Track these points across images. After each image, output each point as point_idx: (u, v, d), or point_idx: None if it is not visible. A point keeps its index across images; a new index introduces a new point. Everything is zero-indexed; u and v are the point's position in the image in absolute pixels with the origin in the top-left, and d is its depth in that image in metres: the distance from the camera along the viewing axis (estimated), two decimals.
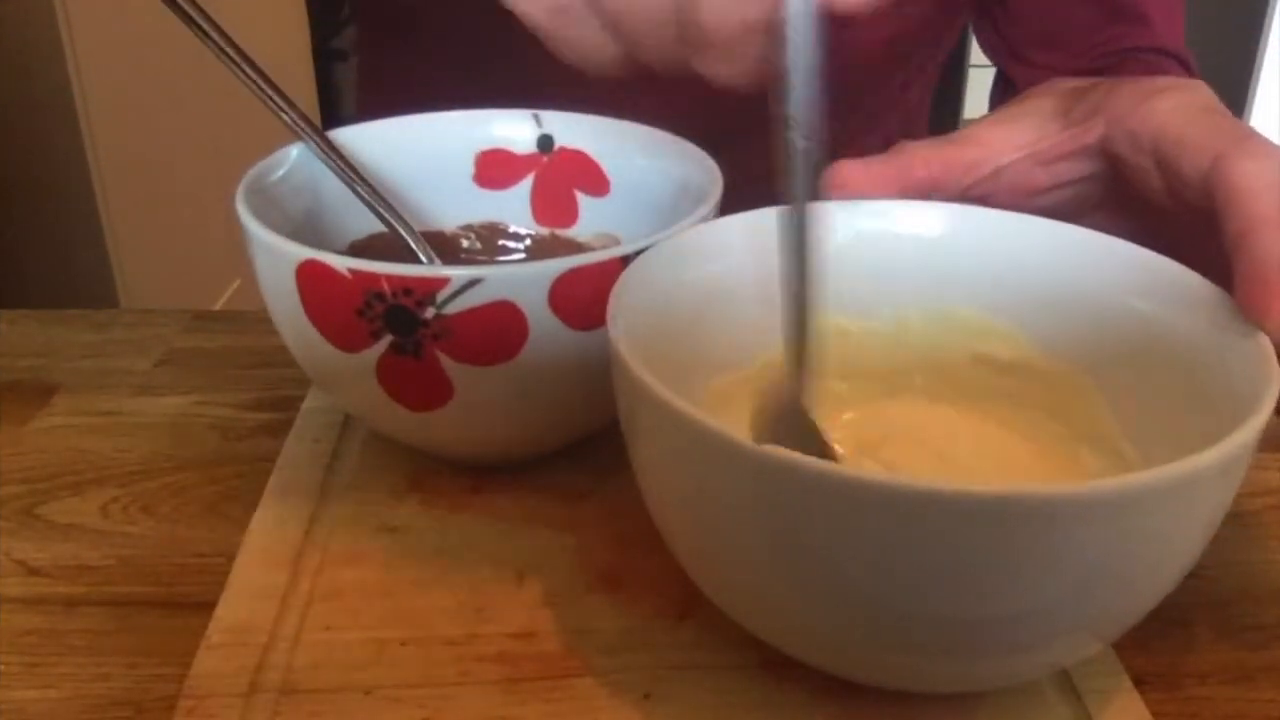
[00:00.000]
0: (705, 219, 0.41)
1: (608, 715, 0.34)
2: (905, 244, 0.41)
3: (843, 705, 0.34)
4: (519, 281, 0.37)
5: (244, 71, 0.43)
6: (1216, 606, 0.40)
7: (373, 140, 0.49)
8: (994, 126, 0.44)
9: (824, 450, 0.37)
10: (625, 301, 0.34)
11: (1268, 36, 2.16)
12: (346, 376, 0.40)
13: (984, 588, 0.28)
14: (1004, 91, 0.69)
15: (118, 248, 1.48)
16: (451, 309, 0.37)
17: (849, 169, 0.42)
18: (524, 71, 0.53)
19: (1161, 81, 0.43)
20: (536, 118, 0.50)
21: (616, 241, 0.50)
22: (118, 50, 1.43)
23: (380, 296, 0.37)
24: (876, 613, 0.30)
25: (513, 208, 0.51)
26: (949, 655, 0.31)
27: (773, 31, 0.35)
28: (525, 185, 0.51)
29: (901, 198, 0.42)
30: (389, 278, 0.36)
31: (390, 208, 0.46)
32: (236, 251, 0.41)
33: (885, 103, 0.70)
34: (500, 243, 0.51)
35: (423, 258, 0.46)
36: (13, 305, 0.59)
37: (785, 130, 0.34)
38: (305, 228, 0.45)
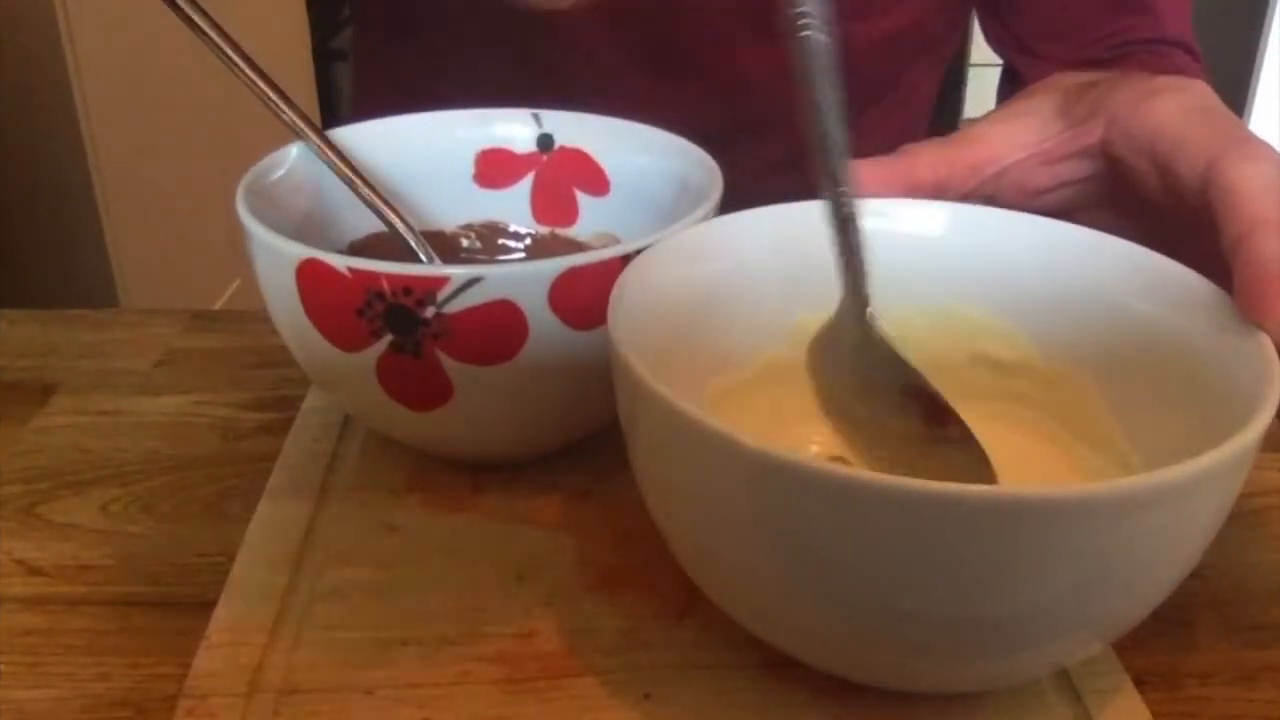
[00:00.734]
0: (705, 219, 0.41)
1: (608, 715, 0.34)
2: (905, 244, 0.41)
3: (843, 705, 0.34)
4: (519, 281, 0.37)
5: (243, 71, 0.43)
6: (1217, 606, 0.40)
7: (373, 140, 0.49)
8: (997, 125, 0.44)
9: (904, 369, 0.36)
10: (625, 301, 0.34)
11: (1268, 36, 2.16)
12: (346, 376, 0.40)
13: (984, 588, 0.28)
14: (1010, 85, 0.69)
15: (118, 248, 1.48)
16: (451, 308, 0.37)
17: (855, 169, 0.42)
18: (523, 72, 0.53)
19: (1160, 81, 0.43)
20: (536, 117, 0.50)
21: (616, 241, 0.50)
22: (118, 50, 1.43)
23: (380, 296, 0.37)
24: (876, 613, 0.30)
25: (513, 207, 0.51)
26: (949, 655, 0.31)
27: None
28: (525, 184, 0.51)
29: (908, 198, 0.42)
30: (389, 277, 0.36)
31: (390, 207, 0.46)
32: (236, 251, 0.41)
33: (890, 103, 0.70)
34: (500, 242, 0.51)
35: (423, 257, 0.46)
36: (13, 305, 0.59)
37: (798, 25, 0.33)
38: (305, 228, 0.44)
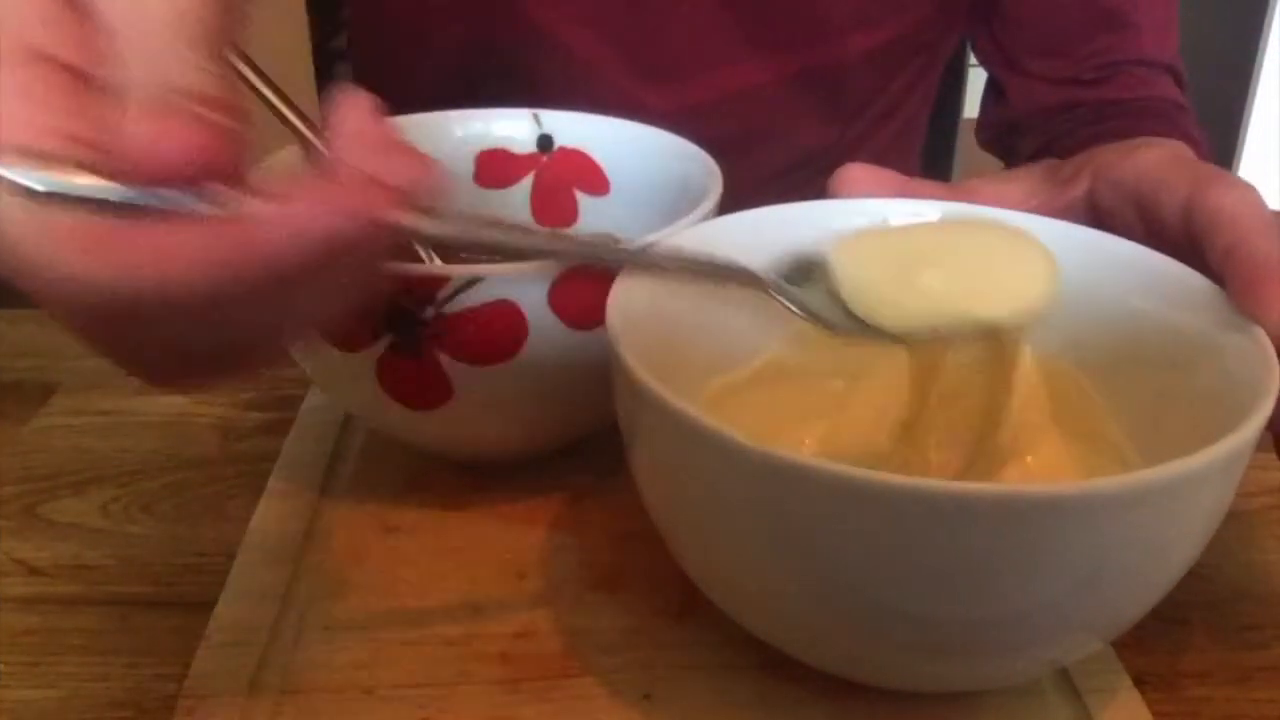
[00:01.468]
0: (705, 219, 0.41)
1: (608, 715, 0.34)
2: None
3: (843, 705, 0.34)
4: (519, 281, 0.37)
5: (242, 71, 0.43)
6: (1216, 606, 0.40)
7: None
8: (990, 184, 0.45)
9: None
10: (625, 301, 0.34)
11: (1268, 36, 2.16)
12: (346, 376, 0.40)
13: (984, 586, 0.28)
14: (994, 100, 0.70)
15: None
16: (451, 308, 0.37)
17: (856, 170, 0.42)
18: (520, 82, 0.53)
19: (1142, 140, 0.44)
20: (536, 117, 0.50)
21: (616, 241, 0.50)
22: None
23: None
24: (876, 613, 0.30)
25: (513, 207, 0.51)
26: (949, 655, 0.31)
27: None
28: (525, 185, 0.51)
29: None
30: (389, 277, 0.36)
31: None
32: None
33: (885, 108, 0.70)
34: None
35: (423, 257, 0.46)
36: (13, 305, 0.59)
37: None
38: None
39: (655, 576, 0.39)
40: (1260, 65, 2.16)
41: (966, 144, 0.84)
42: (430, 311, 0.37)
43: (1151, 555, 0.29)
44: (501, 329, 0.37)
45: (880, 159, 0.44)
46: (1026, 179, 0.45)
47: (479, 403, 0.39)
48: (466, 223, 0.29)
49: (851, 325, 0.37)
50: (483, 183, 0.51)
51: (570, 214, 0.51)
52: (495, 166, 0.51)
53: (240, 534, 0.41)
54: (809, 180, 0.70)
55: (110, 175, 0.24)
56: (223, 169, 0.25)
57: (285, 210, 0.25)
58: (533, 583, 0.39)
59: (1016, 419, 0.42)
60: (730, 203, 0.43)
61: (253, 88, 0.44)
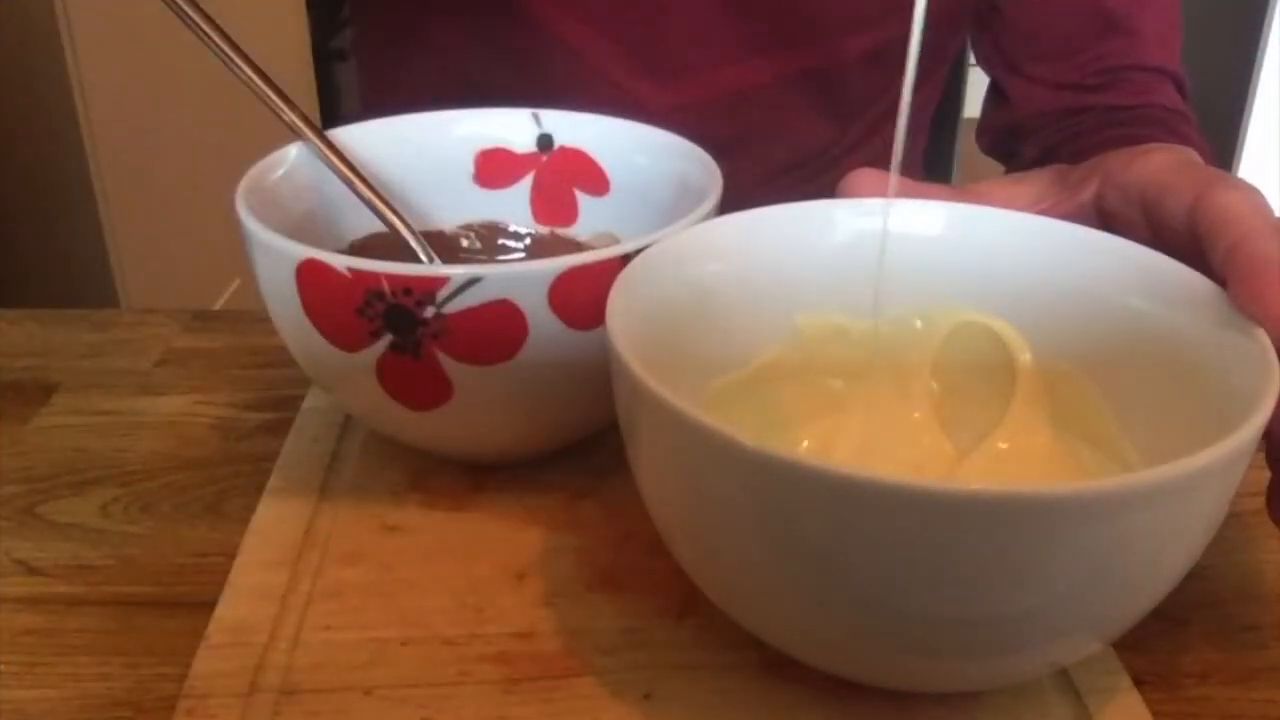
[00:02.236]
0: (705, 219, 0.41)
1: (608, 715, 0.34)
2: (905, 244, 0.41)
3: (843, 705, 0.34)
4: (519, 281, 0.37)
5: (242, 70, 0.43)
6: (1216, 606, 0.40)
7: (373, 140, 0.49)
8: (1000, 187, 0.45)
9: None
10: (625, 301, 0.34)
11: (1268, 36, 2.16)
12: (346, 376, 0.40)
13: (984, 587, 0.28)
14: (996, 104, 0.70)
15: (118, 248, 1.48)
16: (451, 308, 0.37)
17: (866, 174, 0.42)
18: (523, 80, 0.53)
19: (1150, 145, 0.44)
20: (536, 117, 0.50)
21: (616, 241, 0.50)
22: (118, 50, 1.43)
23: (380, 296, 0.37)
24: (876, 613, 0.30)
25: (512, 207, 0.51)
26: (949, 655, 0.31)
27: None
28: (525, 184, 0.51)
29: None
30: (389, 277, 0.36)
31: (390, 207, 0.46)
32: (236, 251, 0.41)
33: (885, 109, 0.71)
34: (500, 242, 0.51)
35: (423, 257, 0.46)
36: (13, 305, 0.59)
37: None
38: (305, 227, 0.44)
39: (655, 576, 0.39)
40: (1260, 65, 2.16)
41: (967, 144, 0.84)
42: (430, 311, 0.37)
43: (1152, 556, 0.29)
44: (501, 329, 0.37)
45: (880, 160, 0.44)
46: (1036, 182, 0.45)
47: (479, 403, 0.39)
48: None
49: None
50: (483, 182, 0.51)
51: (570, 214, 0.51)
52: (495, 166, 0.51)
53: (240, 534, 0.41)
54: (809, 179, 0.70)
55: None
56: None
57: None
58: (533, 583, 0.39)
59: (1017, 419, 0.42)
60: (730, 201, 0.43)
61: (252, 86, 0.44)
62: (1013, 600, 0.29)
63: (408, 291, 0.36)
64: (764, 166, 0.68)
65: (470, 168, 0.51)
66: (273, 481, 0.44)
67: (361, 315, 0.37)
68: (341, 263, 0.37)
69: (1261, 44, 2.15)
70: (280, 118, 0.45)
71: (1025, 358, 0.41)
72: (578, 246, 0.50)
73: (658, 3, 0.63)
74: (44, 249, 1.46)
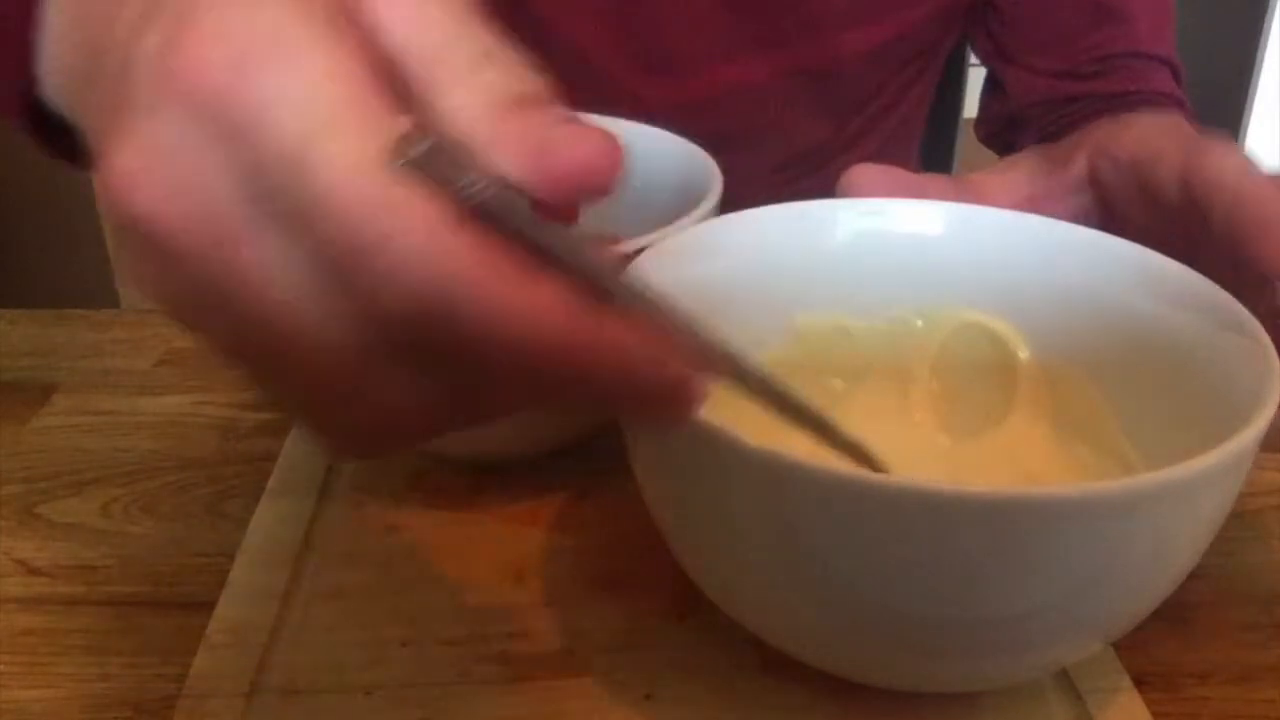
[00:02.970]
0: (705, 219, 0.41)
1: (608, 715, 0.34)
2: (905, 244, 0.41)
3: (843, 705, 0.34)
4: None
5: None
6: (1216, 606, 0.40)
7: None
8: (991, 177, 0.46)
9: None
10: None
11: (1268, 36, 2.16)
12: None
13: (984, 588, 0.28)
14: (993, 94, 0.70)
15: (118, 248, 1.48)
16: None
17: (867, 171, 0.42)
18: (568, 62, 0.53)
19: (1135, 113, 0.45)
20: None
21: (616, 241, 0.49)
22: None
23: None
24: (877, 613, 0.30)
25: None
26: (949, 655, 0.31)
27: None
28: None
29: None
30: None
31: None
32: None
33: (882, 106, 0.71)
34: None
35: None
36: (13, 305, 0.59)
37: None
38: None
39: (655, 576, 0.39)
40: (1260, 65, 2.16)
41: (967, 143, 0.84)
42: None
43: (1152, 559, 0.29)
44: None
45: (877, 156, 0.44)
46: (1024, 164, 0.45)
47: None
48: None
49: None
50: None
51: (570, 214, 0.51)
52: None
53: (240, 534, 0.41)
54: (806, 175, 0.70)
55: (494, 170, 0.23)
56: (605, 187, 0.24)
57: (647, 352, 0.23)
58: (533, 583, 0.39)
59: (1017, 419, 0.42)
60: (727, 197, 0.43)
61: None
62: (1013, 601, 0.29)
63: None
64: (761, 162, 0.68)
65: None
66: (273, 481, 0.43)
67: None
68: None
69: (1261, 44, 2.15)
70: None
71: (1025, 357, 0.41)
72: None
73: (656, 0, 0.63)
74: (44, 249, 1.46)
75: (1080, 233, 0.40)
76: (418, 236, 0.21)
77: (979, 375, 0.42)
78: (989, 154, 0.72)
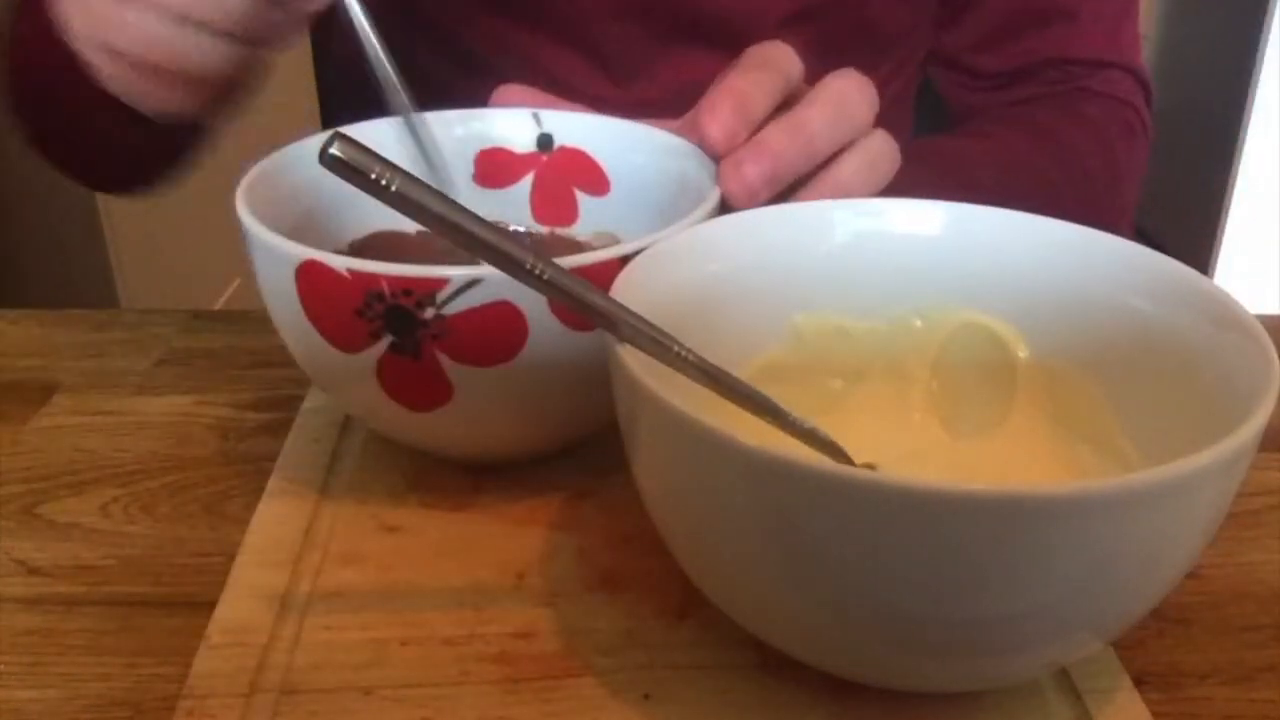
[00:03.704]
0: (705, 219, 0.41)
1: (608, 715, 0.34)
2: (905, 244, 0.41)
3: (843, 705, 0.34)
4: (518, 282, 0.37)
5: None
6: (1216, 606, 0.40)
7: (372, 140, 0.48)
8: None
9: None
10: (624, 302, 0.34)
11: (1268, 36, 2.16)
12: (346, 377, 0.40)
13: (984, 588, 0.28)
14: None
15: (118, 248, 1.48)
16: (451, 309, 0.37)
17: (513, 91, 0.49)
18: (473, 79, 0.53)
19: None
20: (536, 117, 0.50)
21: (616, 241, 0.50)
22: None
23: (380, 297, 0.37)
24: (877, 613, 0.30)
25: (513, 207, 0.51)
26: (949, 655, 0.31)
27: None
28: (525, 184, 0.51)
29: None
30: (388, 278, 0.36)
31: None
32: (236, 251, 0.41)
33: None
34: None
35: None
36: (13, 305, 0.59)
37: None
38: (305, 227, 0.44)
39: (655, 576, 0.39)
40: (1260, 65, 2.16)
41: None
42: (430, 312, 0.37)
43: (1152, 556, 0.29)
44: (501, 330, 0.37)
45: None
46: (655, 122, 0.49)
47: (479, 404, 0.39)
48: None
49: None
50: (482, 182, 0.51)
51: (570, 214, 0.51)
52: (495, 166, 0.51)
53: (240, 534, 0.41)
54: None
55: None
56: None
57: None
58: (533, 583, 0.39)
59: (1017, 419, 0.42)
60: None
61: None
62: (1012, 600, 0.29)
63: (407, 292, 0.36)
64: None
65: (470, 167, 0.51)
66: (273, 482, 0.44)
67: (361, 316, 0.37)
68: (341, 264, 0.37)
69: (1261, 44, 2.15)
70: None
71: (1025, 357, 0.41)
72: (578, 246, 0.50)
73: (611, 12, 0.64)
74: (44, 249, 1.46)
75: (1080, 233, 0.40)
76: None
77: (979, 375, 0.42)
78: None
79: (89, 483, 0.45)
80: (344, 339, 0.38)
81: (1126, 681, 0.36)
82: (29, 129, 0.61)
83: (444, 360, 0.38)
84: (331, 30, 0.78)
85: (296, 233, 0.40)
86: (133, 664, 0.37)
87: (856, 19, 0.66)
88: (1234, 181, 2.26)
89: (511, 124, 0.50)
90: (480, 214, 0.30)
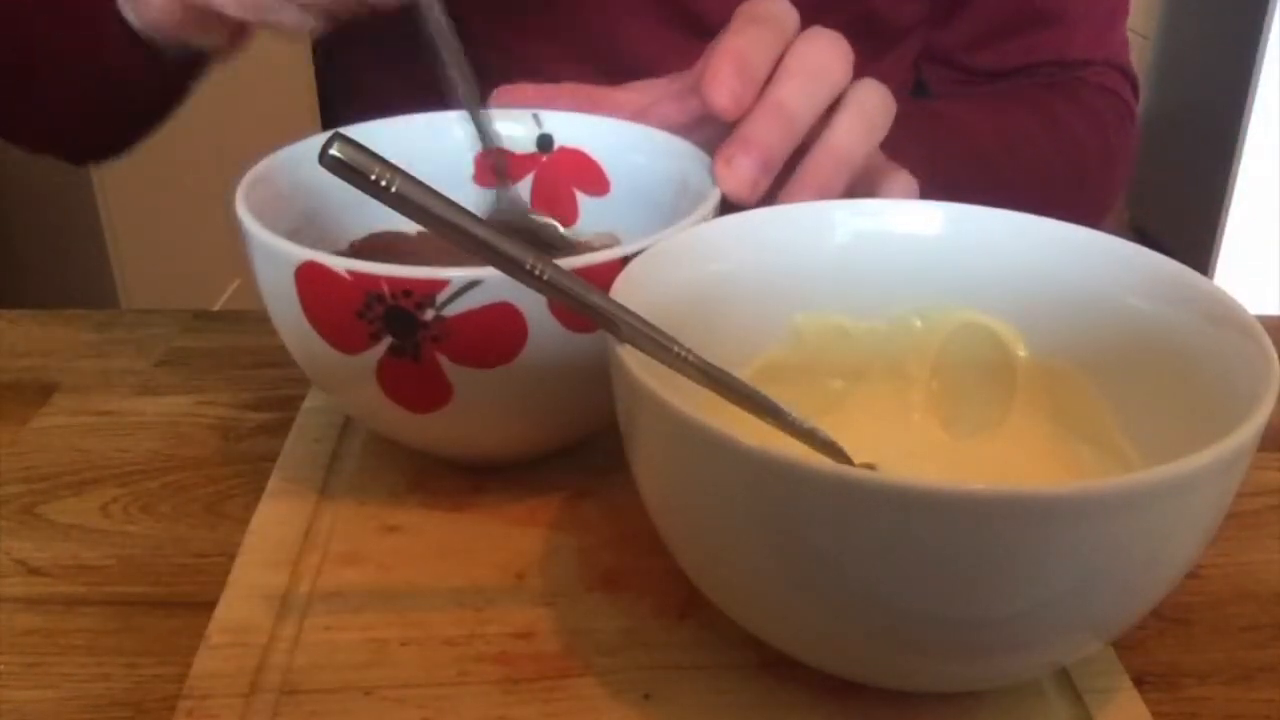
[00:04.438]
0: (705, 219, 0.41)
1: (608, 715, 0.34)
2: (905, 244, 0.41)
3: (843, 705, 0.34)
4: (518, 284, 0.37)
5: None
6: (1216, 606, 0.40)
7: (372, 140, 0.48)
8: (618, 90, 0.50)
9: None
10: (624, 302, 0.34)
11: (1268, 36, 2.16)
12: (346, 378, 0.40)
13: (984, 588, 0.28)
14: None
15: (118, 248, 1.48)
16: (451, 311, 0.37)
17: (509, 91, 0.50)
18: (480, 82, 0.54)
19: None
20: (536, 117, 0.50)
21: (616, 241, 0.50)
22: None
23: (380, 298, 0.37)
24: (877, 613, 0.30)
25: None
26: (949, 655, 0.31)
27: None
28: (525, 185, 0.51)
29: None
30: (388, 279, 0.36)
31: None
32: (236, 251, 0.41)
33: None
34: None
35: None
36: (13, 305, 0.59)
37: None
38: (305, 227, 0.44)
39: (655, 576, 0.39)
40: (1260, 65, 2.16)
41: None
42: (430, 314, 0.37)
43: (1152, 556, 0.29)
44: (501, 332, 0.37)
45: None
46: (649, 89, 0.49)
47: (479, 405, 0.39)
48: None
49: None
50: (482, 182, 0.51)
51: (570, 214, 0.51)
52: (495, 166, 0.51)
53: (240, 534, 0.41)
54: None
55: None
56: None
57: None
58: (533, 583, 0.39)
59: (1016, 419, 0.42)
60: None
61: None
62: (1012, 600, 0.29)
63: (407, 294, 0.36)
64: None
65: (470, 168, 0.51)
66: (273, 482, 0.44)
67: (361, 318, 0.37)
68: (341, 265, 0.37)
69: (1261, 44, 2.15)
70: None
71: (1024, 357, 0.41)
72: (578, 247, 0.50)
73: (605, 13, 0.64)
74: (44, 249, 1.46)
75: (1080, 233, 0.40)
76: None
77: (978, 375, 0.42)
78: None
79: (89, 483, 0.45)
80: (344, 340, 0.38)
81: (1126, 681, 0.36)
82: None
83: (444, 362, 0.38)
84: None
85: (296, 233, 0.40)
86: (133, 664, 0.37)
87: (862, 11, 0.67)
88: (1234, 181, 2.26)
89: (511, 124, 0.50)
90: (479, 215, 0.30)
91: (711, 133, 0.46)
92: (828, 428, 0.37)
